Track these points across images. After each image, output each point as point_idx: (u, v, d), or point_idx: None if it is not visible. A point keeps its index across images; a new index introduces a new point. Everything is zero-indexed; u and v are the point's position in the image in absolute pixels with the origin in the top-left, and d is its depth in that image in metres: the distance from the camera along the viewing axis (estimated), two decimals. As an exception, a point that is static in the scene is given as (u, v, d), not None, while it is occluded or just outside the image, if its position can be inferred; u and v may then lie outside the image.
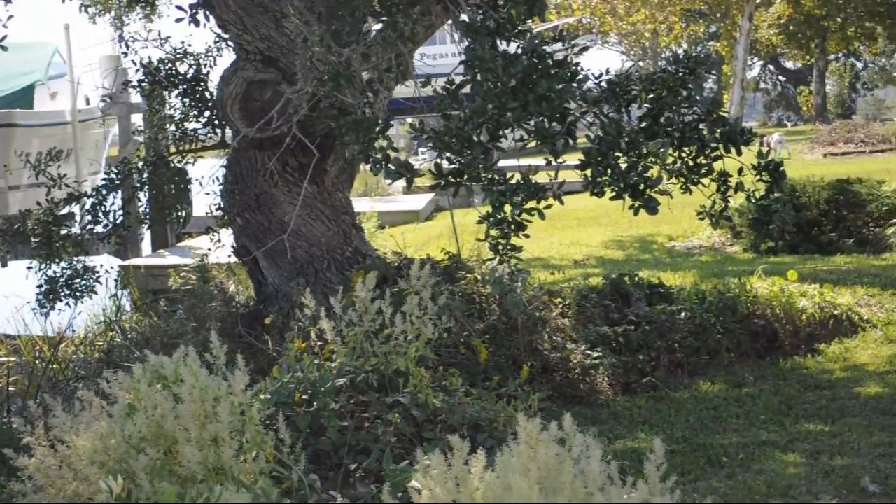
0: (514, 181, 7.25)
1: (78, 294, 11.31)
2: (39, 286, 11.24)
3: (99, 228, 11.70)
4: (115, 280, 14.83)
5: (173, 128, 12.51)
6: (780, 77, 77.73)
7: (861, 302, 11.36)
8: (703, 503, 5.92)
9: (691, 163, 7.68)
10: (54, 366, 10.10)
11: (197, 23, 9.35)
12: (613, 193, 7.26)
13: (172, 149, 12.56)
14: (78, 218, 12.31)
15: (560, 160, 7.33)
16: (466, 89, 7.34)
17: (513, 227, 7.18)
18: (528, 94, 6.99)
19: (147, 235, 19.85)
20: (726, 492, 6.52)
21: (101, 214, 11.66)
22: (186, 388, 4.47)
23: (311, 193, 9.65)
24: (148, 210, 13.96)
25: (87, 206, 11.74)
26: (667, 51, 60.25)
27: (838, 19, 56.81)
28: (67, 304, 11.37)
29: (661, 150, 7.37)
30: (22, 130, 21.89)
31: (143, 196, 13.70)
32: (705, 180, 7.74)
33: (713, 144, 7.70)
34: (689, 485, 6.64)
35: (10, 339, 13.63)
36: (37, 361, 11.11)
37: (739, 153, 7.69)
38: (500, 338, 8.79)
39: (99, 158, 24.79)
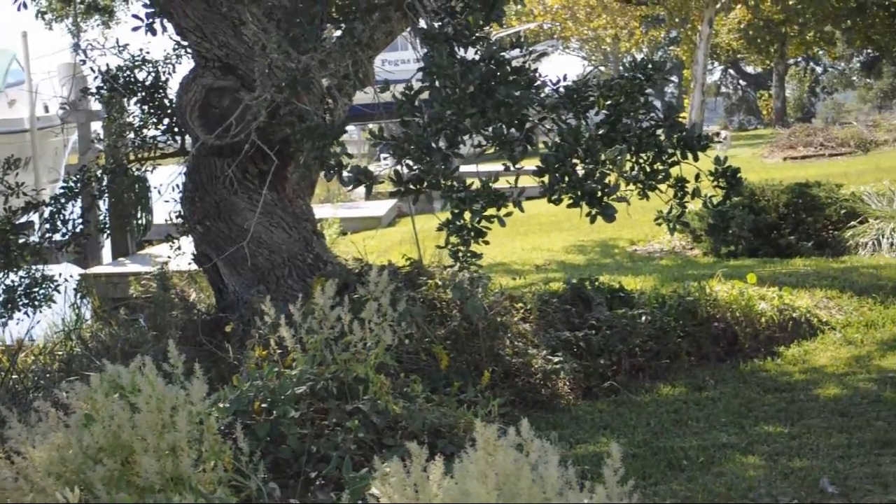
0: (473, 188, 7.26)
1: (37, 303, 11.22)
2: (-3, 295, 11.15)
3: (58, 237, 11.62)
4: (75, 289, 14.72)
5: (132, 135, 12.45)
6: (741, 81, 78.25)
7: (820, 304, 11.45)
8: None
9: (648, 169, 7.70)
10: (13, 376, 10.02)
11: (154, 31, 9.28)
12: (571, 201, 7.28)
13: (132, 156, 12.49)
14: (37, 226, 12.21)
15: (520, 166, 7.34)
16: (425, 95, 7.35)
17: (472, 234, 7.19)
18: (486, 100, 7.00)
19: (107, 244, 19.75)
20: (687, 495, 6.55)
21: (59, 223, 11.58)
22: (143, 397, 4.45)
23: (271, 200, 9.64)
24: (108, 218, 13.87)
25: (46, 215, 11.66)
26: (628, 56, 60.47)
27: (797, 24, 57.20)
28: (26, 313, 11.28)
29: (619, 157, 7.40)
30: (-21, 138, 21.77)
31: (102, 204, 13.65)
32: (662, 186, 7.77)
33: (670, 150, 7.73)
34: (650, 488, 6.67)
35: (-33, 349, 13.52)
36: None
37: (696, 159, 7.73)
38: (462, 343, 8.80)
39: (58, 166, 24.62)
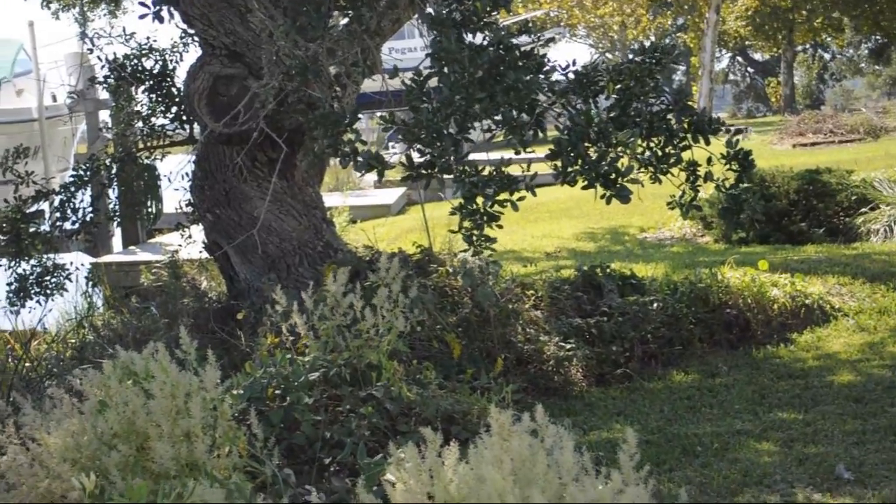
0: (485, 173, 7.24)
1: (48, 292, 11.24)
2: (9, 284, 11.16)
3: (68, 226, 11.63)
4: (86, 277, 14.72)
5: (141, 124, 12.44)
6: (749, 69, 78.09)
7: (832, 291, 11.41)
8: (677, 494, 5.92)
9: (660, 153, 7.67)
10: (26, 364, 10.03)
11: (161, 19, 9.29)
12: (585, 183, 7.25)
13: (140, 145, 12.48)
14: (47, 215, 12.21)
15: (531, 151, 7.31)
16: (434, 82, 7.33)
17: (485, 218, 7.16)
18: (495, 85, 6.97)
19: (117, 232, 19.75)
20: (701, 481, 6.54)
21: (69, 212, 11.59)
22: (157, 383, 4.44)
23: (280, 188, 9.62)
24: (117, 207, 13.86)
25: (56, 204, 11.67)
26: (635, 43, 60.40)
27: (805, 11, 57.06)
28: (38, 301, 11.30)
29: (631, 139, 7.37)
30: (-12, 128, 21.77)
31: (112, 193, 13.64)
32: (675, 170, 7.74)
33: (681, 134, 7.70)
34: (664, 475, 6.65)
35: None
36: (8, 360, 11.02)
37: (708, 143, 7.70)
38: (474, 330, 8.78)
39: (67, 155, 24.61)
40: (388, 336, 6.30)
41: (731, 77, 78.70)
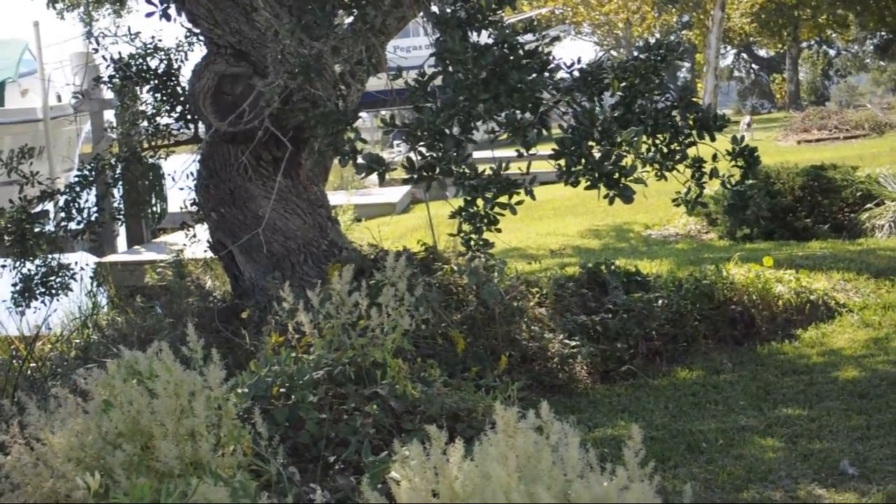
0: (485, 175, 7.24)
1: (53, 292, 11.26)
2: (14, 284, 11.18)
3: (73, 225, 11.64)
4: (91, 277, 14.75)
5: (146, 123, 12.46)
6: (754, 65, 78.12)
7: (837, 287, 11.40)
8: (682, 490, 5.93)
9: (665, 149, 7.67)
10: (31, 364, 10.04)
11: (168, 17, 9.31)
12: (588, 183, 7.25)
13: (145, 144, 12.50)
14: (52, 215, 12.24)
15: (534, 151, 7.31)
16: (438, 81, 7.33)
17: (485, 221, 7.17)
18: (499, 85, 6.97)
19: (122, 232, 19.79)
20: (706, 477, 6.55)
21: (74, 211, 11.60)
22: (161, 383, 4.44)
23: (285, 187, 9.63)
24: (122, 206, 13.88)
25: (61, 204, 11.68)
26: (640, 41, 60.40)
27: (810, 7, 57.02)
28: (43, 301, 11.32)
29: (635, 138, 7.37)
30: (-7, 128, 21.78)
31: (117, 192, 13.65)
32: (680, 167, 7.74)
33: (686, 131, 7.70)
34: (669, 471, 6.66)
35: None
36: (13, 360, 11.04)
37: (713, 139, 7.70)
38: (478, 328, 8.79)
39: (72, 155, 24.62)
40: (393, 334, 6.29)
41: (736, 73, 78.77)
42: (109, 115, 20.35)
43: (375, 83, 10.11)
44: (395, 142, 31.33)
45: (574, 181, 7.26)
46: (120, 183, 12.90)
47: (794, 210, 15.69)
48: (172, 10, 9.36)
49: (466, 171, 7.21)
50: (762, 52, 75.93)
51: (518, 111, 7.17)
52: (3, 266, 11.40)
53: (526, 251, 15.51)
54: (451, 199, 7.85)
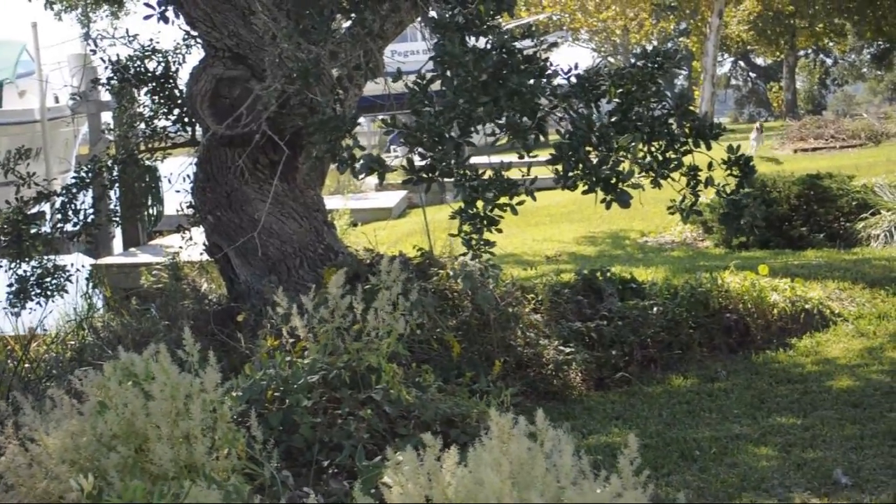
0: (485, 177, 7.25)
1: (49, 293, 11.25)
2: (10, 285, 11.17)
3: (69, 227, 11.63)
4: (87, 279, 14.73)
5: (143, 125, 12.45)
6: (751, 73, 78.21)
7: (832, 296, 11.42)
8: (675, 498, 5.93)
9: (661, 157, 7.68)
10: (26, 365, 10.04)
11: (166, 20, 9.31)
12: (586, 187, 7.26)
13: (142, 147, 12.49)
14: (48, 217, 12.23)
15: (532, 155, 7.32)
16: (436, 86, 7.34)
17: (485, 222, 7.17)
18: (498, 89, 6.99)
19: (118, 234, 19.76)
20: (699, 486, 6.54)
21: (71, 213, 11.59)
22: (157, 385, 4.45)
23: (282, 191, 9.63)
24: (119, 208, 13.86)
25: (58, 205, 11.67)
26: (637, 47, 60.41)
27: (807, 16, 57.11)
28: (38, 303, 11.31)
29: (632, 144, 7.38)
30: (-10, 129, 21.75)
31: (113, 195, 13.65)
32: (675, 175, 7.75)
33: (682, 139, 7.71)
34: (663, 479, 6.66)
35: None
36: (8, 360, 11.03)
37: (709, 147, 7.71)
38: (473, 334, 8.79)
39: (69, 157, 24.58)
40: (388, 339, 6.30)
41: (734, 82, 78.84)
42: (107, 117, 20.31)
43: (372, 88, 10.11)
44: (392, 146, 31.33)
45: (572, 185, 7.27)
46: (116, 185, 12.90)
47: (790, 219, 15.71)
48: (170, 13, 9.36)
49: (467, 172, 7.22)
50: (759, 61, 76.02)
51: (518, 115, 7.18)
52: (0, 267, 11.38)
53: (522, 257, 15.53)
54: (450, 202, 7.85)
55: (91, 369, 4.93)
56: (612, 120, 7.66)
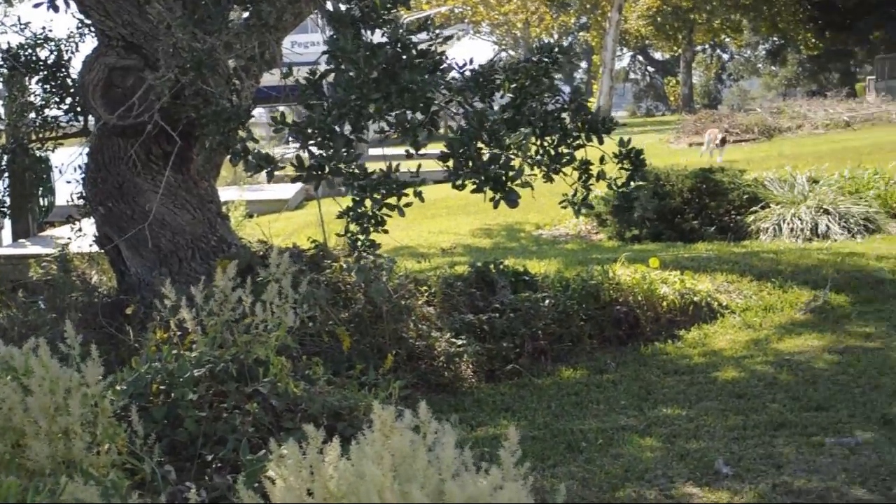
0: (375, 176, 7.25)
1: (-67, 284, 11.04)
2: None
3: (-43, 217, 11.43)
4: (-27, 270, 14.46)
5: (34, 115, 12.25)
6: (649, 67, 79.16)
7: (720, 288, 11.62)
8: (557, 489, 6.01)
9: (553, 152, 7.75)
10: None
11: (56, 8, 9.15)
12: (474, 186, 7.31)
13: (33, 136, 12.29)
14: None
15: (426, 150, 7.35)
16: (331, 78, 7.32)
17: (373, 222, 7.19)
18: (390, 85, 7.00)
19: (7, 225, 19.40)
20: (584, 476, 6.63)
21: (-42, 204, 11.39)
22: (36, 379, 4.40)
23: (174, 182, 9.54)
24: (7, 199, 13.62)
25: (-55, 195, 11.46)
26: (538, 41, 60.85)
27: (705, 12, 57.96)
28: (-78, 294, 11.09)
29: (524, 140, 7.44)
30: None
31: (2, 185, 13.41)
32: (567, 169, 7.83)
33: (575, 133, 7.79)
34: (548, 470, 6.74)
35: None
36: None
37: (601, 142, 7.80)
38: (366, 326, 8.81)
39: (-42, 146, 24.09)
40: (277, 332, 6.29)
41: (632, 76, 79.78)
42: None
43: (272, 79, 10.06)
44: (290, 137, 31.13)
45: (461, 184, 7.31)
46: (6, 175, 12.67)
47: (683, 212, 15.95)
48: (61, 2, 9.21)
49: (356, 171, 7.22)
50: (657, 55, 77.00)
51: (409, 111, 7.20)
52: None
53: (417, 249, 15.57)
54: (345, 196, 7.84)
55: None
56: (506, 115, 7.71)
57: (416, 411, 4.07)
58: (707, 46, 72.09)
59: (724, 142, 26.38)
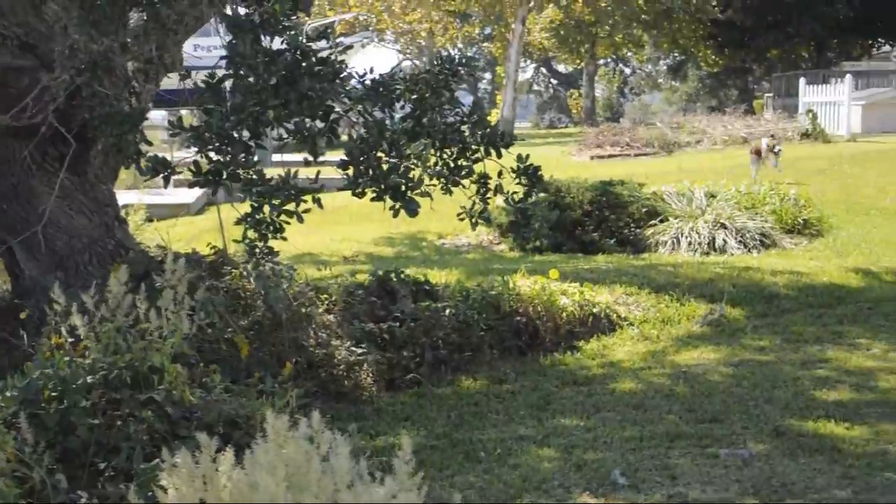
0: (273, 182, 7.20)
1: None
2: None
3: None
4: None
5: (-76, 115, 11.95)
6: (552, 80, 79.83)
7: (619, 300, 11.74)
8: (452, 500, 6.01)
9: (452, 164, 7.78)
10: None
11: (-54, 5, 8.96)
12: (374, 195, 7.30)
13: (-77, 137, 11.99)
14: None
15: (327, 157, 7.33)
16: (230, 83, 7.26)
17: (271, 228, 7.14)
18: (289, 91, 6.96)
19: None
20: (482, 486, 6.65)
21: None
22: (-79, 386, 4.30)
23: (70, 185, 9.37)
24: None
25: None
26: (443, 51, 61.03)
27: (607, 26, 58.59)
28: None
29: (423, 151, 7.46)
30: None
31: None
32: (466, 182, 7.86)
33: (474, 147, 7.82)
34: (447, 480, 6.75)
35: None
36: None
37: (500, 156, 7.84)
38: (265, 334, 8.74)
39: None
40: (173, 339, 6.21)
41: (536, 87, 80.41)
42: None
43: (173, 82, 9.93)
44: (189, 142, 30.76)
45: (361, 192, 7.30)
46: None
47: (583, 224, 16.10)
48: (-48, -1, 9.01)
49: (254, 176, 7.16)
50: (561, 68, 77.69)
51: (308, 119, 7.16)
52: None
53: (318, 257, 15.50)
54: (244, 201, 7.78)
55: None
56: (406, 125, 7.71)
57: (308, 420, 4.05)
58: (610, 60, 72.92)
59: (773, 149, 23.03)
